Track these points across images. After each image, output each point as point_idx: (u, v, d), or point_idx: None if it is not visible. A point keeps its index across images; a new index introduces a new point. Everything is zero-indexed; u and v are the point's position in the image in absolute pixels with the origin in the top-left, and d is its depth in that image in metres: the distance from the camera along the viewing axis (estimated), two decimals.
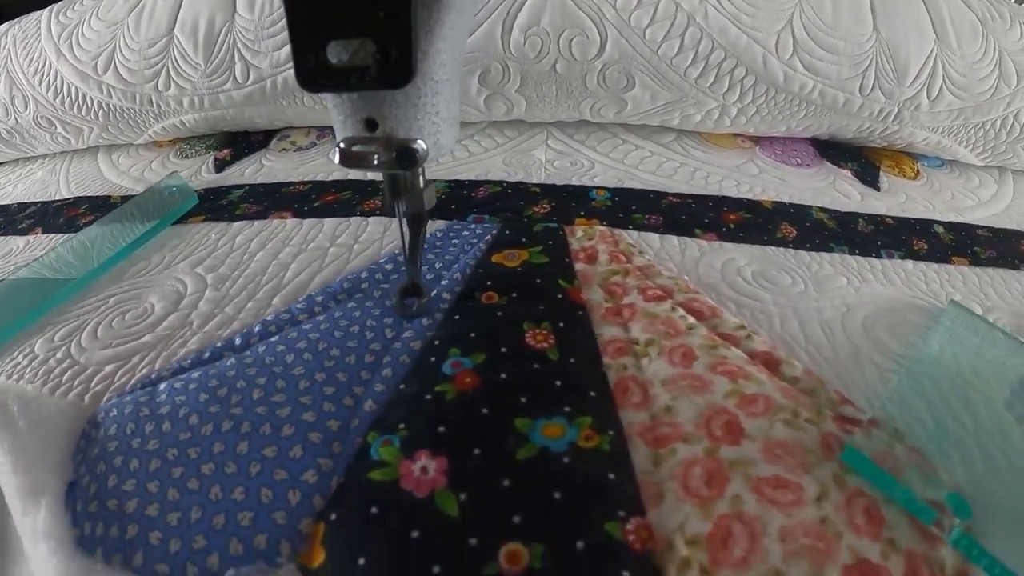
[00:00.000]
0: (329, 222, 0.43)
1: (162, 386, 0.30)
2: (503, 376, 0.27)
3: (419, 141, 0.25)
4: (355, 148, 0.25)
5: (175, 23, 0.54)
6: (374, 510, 0.23)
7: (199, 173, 0.55)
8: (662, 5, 0.48)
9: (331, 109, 0.26)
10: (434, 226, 0.41)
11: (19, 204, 0.57)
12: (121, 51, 0.55)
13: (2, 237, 0.52)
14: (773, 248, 0.41)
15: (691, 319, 0.32)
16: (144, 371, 0.32)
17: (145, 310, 0.37)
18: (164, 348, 0.34)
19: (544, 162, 0.50)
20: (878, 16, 0.50)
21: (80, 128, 0.60)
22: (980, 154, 0.55)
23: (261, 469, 0.25)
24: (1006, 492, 0.25)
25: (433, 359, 0.29)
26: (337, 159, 0.25)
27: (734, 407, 0.26)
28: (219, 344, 0.33)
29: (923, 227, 0.47)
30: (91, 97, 0.57)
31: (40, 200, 0.57)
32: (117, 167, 0.60)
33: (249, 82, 0.53)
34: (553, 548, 0.20)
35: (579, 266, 0.36)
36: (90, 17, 0.58)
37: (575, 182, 0.47)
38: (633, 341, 0.30)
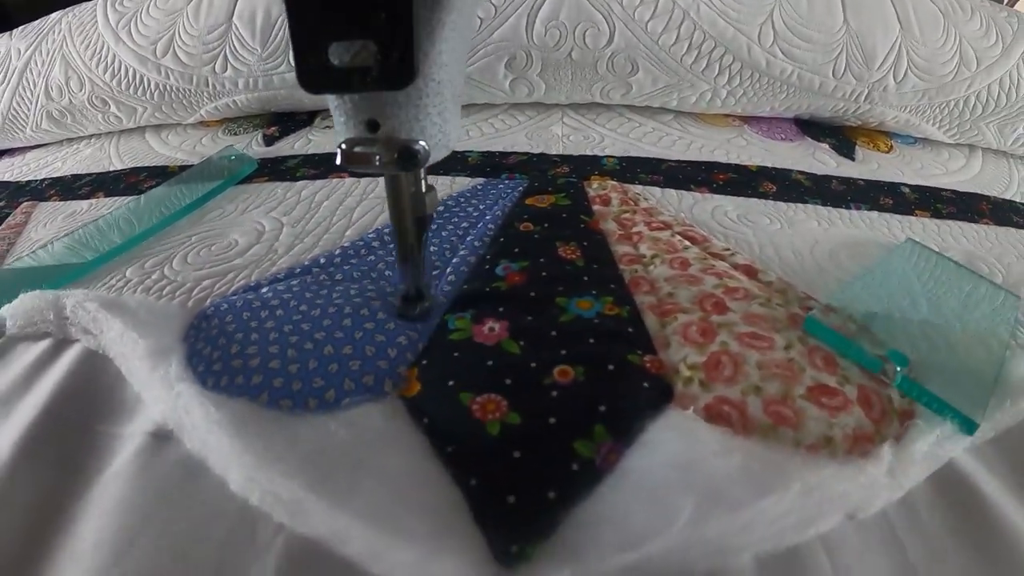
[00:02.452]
0: (383, 180, 0.55)
1: (264, 288, 0.39)
2: (544, 274, 0.40)
3: (421, 142, 0.27)
4: (357, 149, 0.27)
5: (233, 13, 0.66)
6: (456, 354, 0.34)
7: (250, 147, 0.68)
8: (661, 2, 0.61)
9: (332, 111, 0.28)
10: (474, 182, 0.53)
11: (73, 175, 0.68)
12: (180, 36, 0.68)
13: (63, 202, 0.61)
14: (756, 200, 0.53)
15: (687, 242, 0.45)
16: (241, 283, 0.41)
17: (230, 243, 0.46)
18: (256, 267, 0.43)
19: (561, 136, 0.64)
20: (848, 10, 0.64)
21: (134, 108, 0.72)
22: (947, 131, 0.69)
23: (364, 335, 0.35)
24: (939, 357, 0.34)
25: (487, 267, 0.41)
26: (338, 160, 0.28)
27: (720, 293, 0.38)
28: (306, 263, 0.44)
29: (891, 187, 0.59)
30: (148, 78, 0.69)
31: (94, 172, 0.68)
32: (168, 143, 0.72)
33: None
34: (591, 367, 0.32)
35: (595, 207, 0.49)
36: (148, 6, 0.71)
37: (588, 152, 0.60)
38: (641, 255, 0.43)
